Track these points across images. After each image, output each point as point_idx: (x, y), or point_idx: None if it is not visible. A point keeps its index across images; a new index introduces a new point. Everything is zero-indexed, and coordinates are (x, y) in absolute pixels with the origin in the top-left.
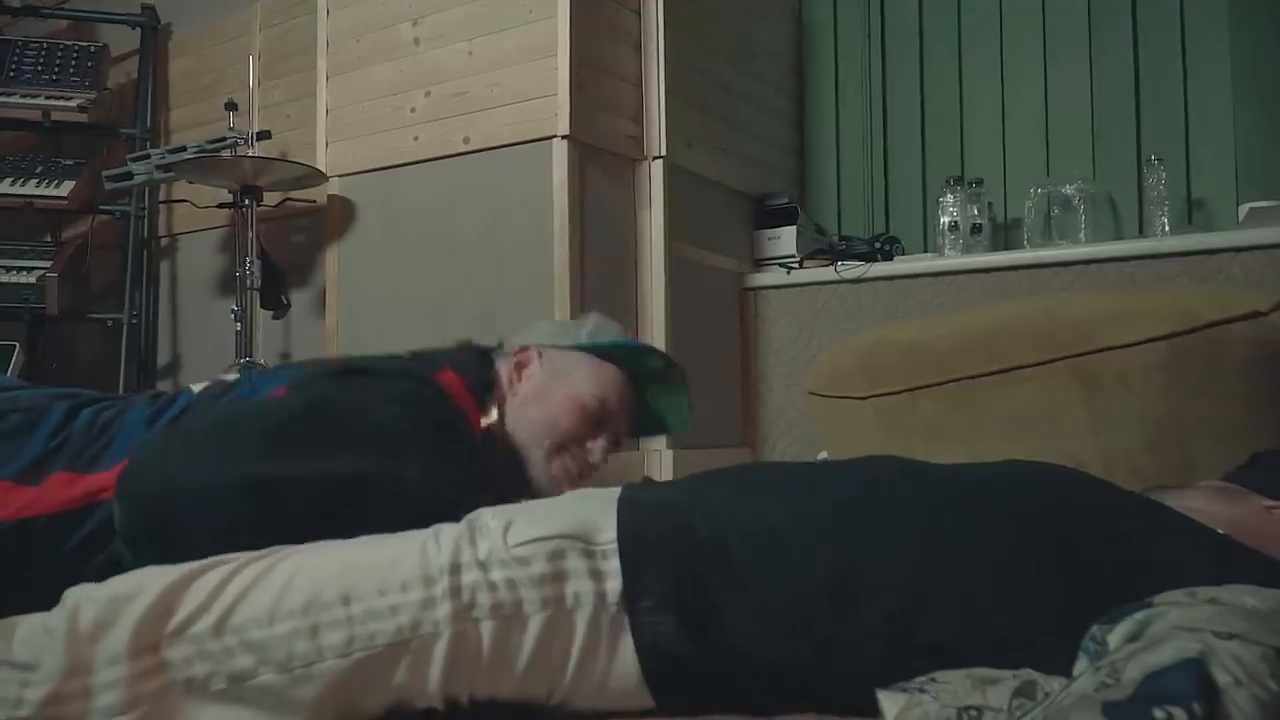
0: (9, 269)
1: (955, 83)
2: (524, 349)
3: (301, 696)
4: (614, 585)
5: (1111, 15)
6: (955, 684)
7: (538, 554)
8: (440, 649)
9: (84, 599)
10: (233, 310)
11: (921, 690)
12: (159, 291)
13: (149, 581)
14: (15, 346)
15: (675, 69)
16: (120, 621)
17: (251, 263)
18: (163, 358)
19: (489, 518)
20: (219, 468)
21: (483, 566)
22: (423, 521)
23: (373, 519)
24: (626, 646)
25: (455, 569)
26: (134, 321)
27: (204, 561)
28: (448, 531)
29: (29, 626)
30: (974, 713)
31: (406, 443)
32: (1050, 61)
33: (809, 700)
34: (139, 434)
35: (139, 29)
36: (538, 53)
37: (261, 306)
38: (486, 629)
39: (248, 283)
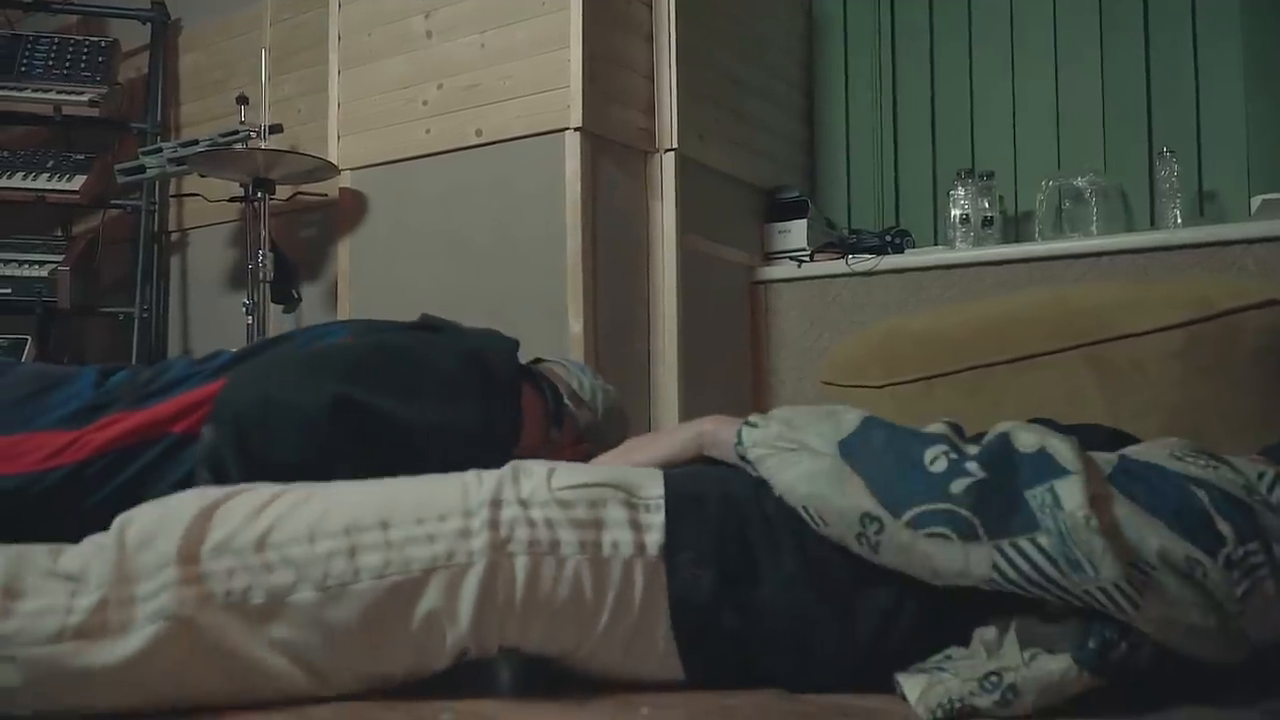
0: (21, 263)
1: (966, 76)
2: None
3: (337, 617)
4: (654, 538)
5: (1123, 7)
6: (970, 655)
7: (580, 499)
8: (473, 578)
9: (131, 518)
10: (244, 304)
11: (939, 669)
12: (169, 286)
13: (192, 499)
14: (27, 340)
15: (687, 62)
16: (166, 532)
17: (264, 256)
18: (173, 351)
19: (533, 464)
20: (311, 387)
21: (524, 504)
22: (469, 466)
23: (431, 459)
24: (660, 603)
25: (496, 504)
26: (144, 315)
27: (245, 485)
28: (491, 472)
29: (77, 547)
30: (995, 678)
31: (464, 394)
32: (1061, 54)
33: (835, 677)
34: (189, 370)
35: (149, 24)
36: (550, 45)
37: (272, 300)
38: (521, 564)
39: (261, 276)
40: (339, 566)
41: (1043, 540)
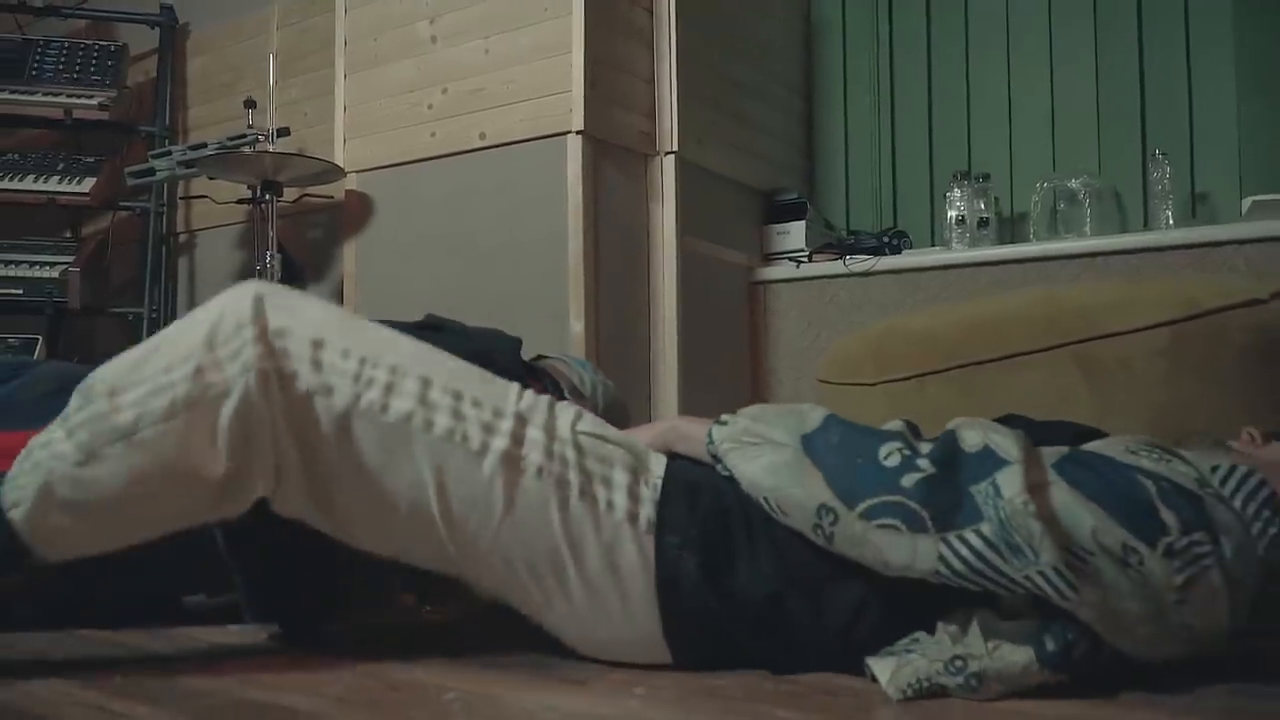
0: (32, 264)
1: (962, 79)
2: None
3: (354, 436)
4: (646, 513)
5: (1116, 12)
6: (937, 641)
7: (595, 450)
8: (481, 473)
9: (196, 309)
10: None
11: (907, 651)
12: (177, 286)
13: (244, 286)
14: (38, 340)
15: (687, 66)
16: (234, 306)
17: (272, 257)
18: None
19: (568, 404)
20: None
21: (548, 433)
22: None
23: None
24: (646, 578)
25: (523, 420)
26: (153, 316)
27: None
28: (531, 393)
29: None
30: (959, 662)
31: None
32: (1056, 58)
33: (813, 663)
34: None
35: (157, 28)
36: (552, 50)
37: None
38: (526, 483)
39: (268, 276)
40: (372, 395)
41: (985, 529)
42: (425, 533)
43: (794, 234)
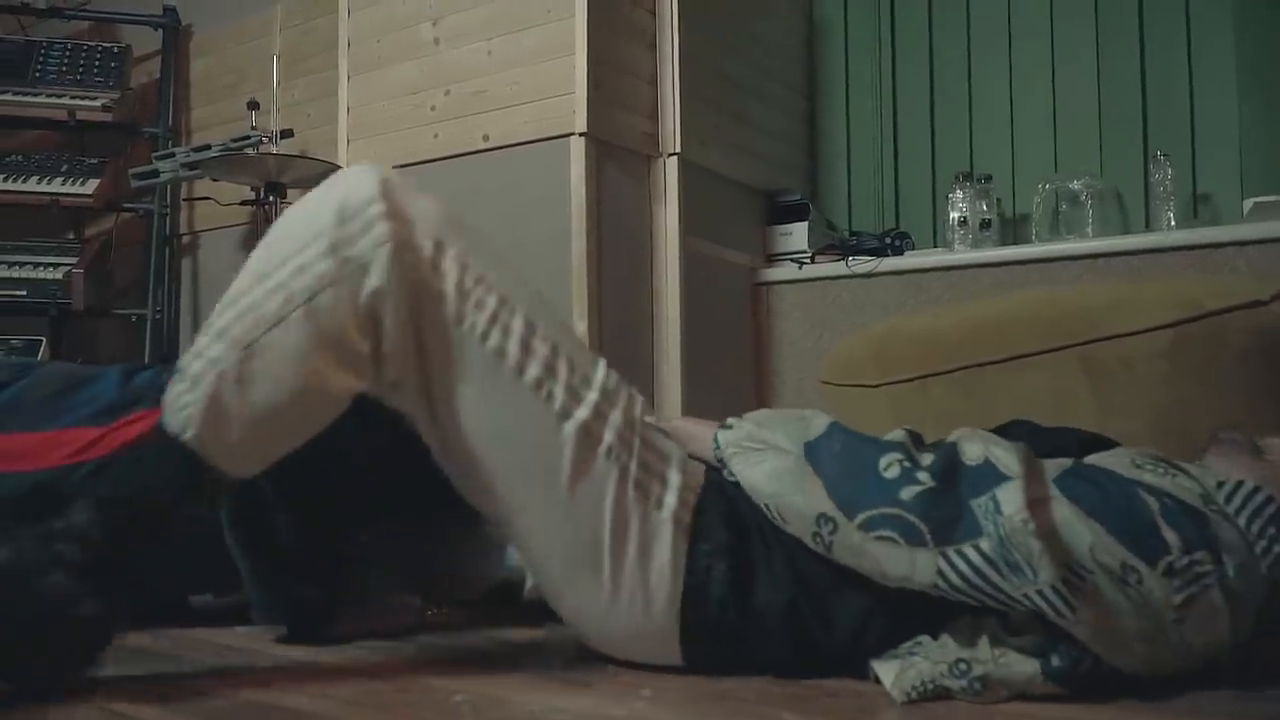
0: (36, 265)
1: (964, 80)
2: None
3: (456, 353)
4: (688, 518)
5: (1118, 13)
6: (941, 644)
7: (656, 444)
8: (564, 432)
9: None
10: None
11: (911, 654)
12: (180, 288)
13: (363, 168)
14: (42, 341)
15: (689, 67)
16: (360, 180)
17: None
18: (184, 353)
19: (636, 393)
20: None
21: (625, 416)
22: None
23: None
24: (674, 581)
25: (609, 396)
26: (157, 317)
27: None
28: (616, 375)
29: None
30: (964, 665)
31: None
32: (1058, 59)
33: (819, 670)
34: None
35: (160, 30)
36: (556, 52)
37: None
38: (598, 458)
39: None
40: (477, 319)
41: (984, 545)
42: (481, 471)
43: (796, 235)
